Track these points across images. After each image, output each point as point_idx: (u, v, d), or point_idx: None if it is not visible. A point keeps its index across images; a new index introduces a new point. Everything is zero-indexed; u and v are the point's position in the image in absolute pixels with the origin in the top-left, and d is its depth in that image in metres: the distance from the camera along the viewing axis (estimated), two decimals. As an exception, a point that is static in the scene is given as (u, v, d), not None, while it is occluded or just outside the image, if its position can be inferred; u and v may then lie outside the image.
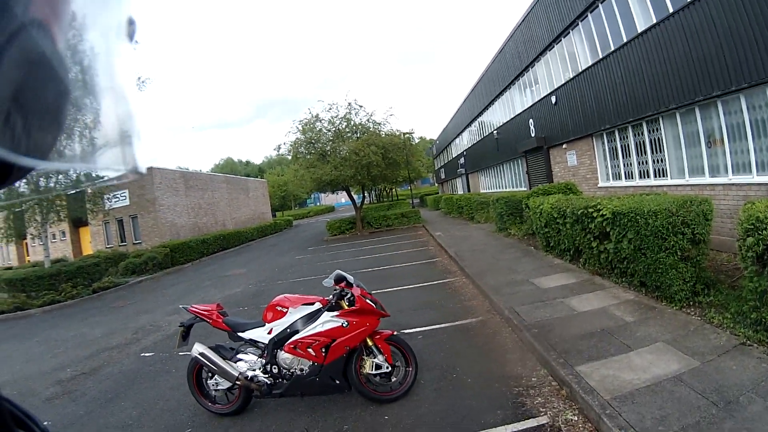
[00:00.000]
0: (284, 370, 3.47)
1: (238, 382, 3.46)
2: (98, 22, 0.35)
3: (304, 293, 4.02)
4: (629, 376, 3.12)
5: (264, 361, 3.51)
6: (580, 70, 10.81)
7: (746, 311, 3.57)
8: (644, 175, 8.94)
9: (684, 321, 3.97)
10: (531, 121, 14.54)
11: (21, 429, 0.41)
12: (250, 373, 3.47)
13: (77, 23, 0.34)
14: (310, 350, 3.35)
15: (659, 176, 8.42)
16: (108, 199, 17.12)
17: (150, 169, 20.74)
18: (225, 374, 3.47)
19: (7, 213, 15.94)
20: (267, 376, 3.48)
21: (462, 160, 27.10)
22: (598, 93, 10.05)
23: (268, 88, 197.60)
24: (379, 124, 19.70)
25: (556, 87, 12.41)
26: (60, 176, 11.51)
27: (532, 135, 14.38)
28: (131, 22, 0.37)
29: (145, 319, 8.32)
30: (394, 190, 46.92)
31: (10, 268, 21.79)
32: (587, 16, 10.13)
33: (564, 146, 12.35)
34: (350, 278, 3.63)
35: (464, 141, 26.97)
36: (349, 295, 3.52)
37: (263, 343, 3.52)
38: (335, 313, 3.44)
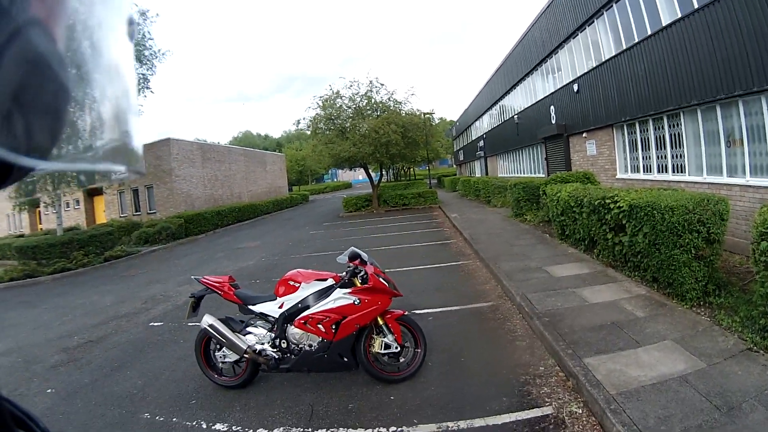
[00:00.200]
0: (293, 345, 3.49)
1: (246, 356, 3.49)
2: (98, 21, 0.35)
3: (317, 268, 4.01)
4: (636, 373, 3.11)
5: (273, 335, 3.53)
6: (604, 60, 10.60)
7: (755, 316, 3.53)
8: (662, 169, 8.80)
9: (693, 320, 3.94)
10: (552, 107, 14.32)
11: (21, 429, 0.41)
12: (258, 347, 3.49)
13: (77, 23, 0.34)
14: (320, 326, 3.36)
15: (677, 172, 8.30)
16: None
17: (167, 139, 20.86)
18: (233, 347, 3.50)
19: (19, 182, 16.14)
20: (275, 350, 3.50)
21: (481, 143, 26.89)
22: (621, 83, 9.85)
23: (290, 62, 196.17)
24: (400, 102, 19.53)
25: (578, 75, 12.18)
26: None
27: (553, 122, 14.19)
28: (131, 22, 0.38)
29: (156, 288, 8.41)
30: (412, 169, 46.57)
31: (21, 236, 22.14)
32: (612, 5, 9.92)
33: (584, 135, 12.18)
34: (364, 256, 3.60)
35: (484, 124, 26.75)
36: (362, 273, 3.50)
37: (273, 317, 3.54)
38: (348, 290, 3.43)
